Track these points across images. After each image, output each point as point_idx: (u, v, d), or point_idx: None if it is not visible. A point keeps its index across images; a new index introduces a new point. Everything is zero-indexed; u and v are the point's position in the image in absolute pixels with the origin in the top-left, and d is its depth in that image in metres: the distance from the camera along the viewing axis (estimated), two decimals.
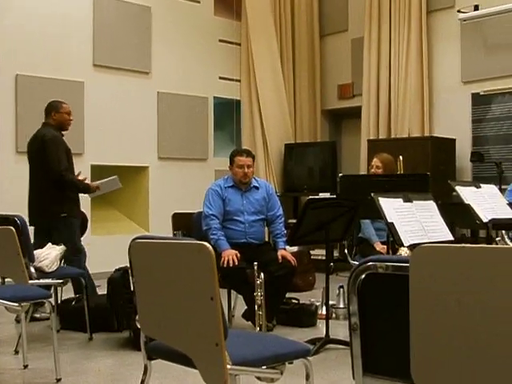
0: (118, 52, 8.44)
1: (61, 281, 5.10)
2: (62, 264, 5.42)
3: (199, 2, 9.36)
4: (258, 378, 2.64)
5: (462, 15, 8.64)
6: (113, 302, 5.27)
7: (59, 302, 5.68)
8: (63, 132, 5.98)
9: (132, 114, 8.50)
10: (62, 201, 5.83)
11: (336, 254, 8.73)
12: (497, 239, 5.65)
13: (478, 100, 8.69)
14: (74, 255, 5.80)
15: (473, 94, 8.73)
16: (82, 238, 6.03)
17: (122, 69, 8.48)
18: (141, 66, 8.67)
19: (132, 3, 8.58)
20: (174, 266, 2.42)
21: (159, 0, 8.90)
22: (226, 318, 5.37)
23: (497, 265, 1.55)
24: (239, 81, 9.88)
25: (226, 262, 5.19)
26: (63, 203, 5.83)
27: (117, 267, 5.32)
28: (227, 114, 9.82)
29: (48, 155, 5.73)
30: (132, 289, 2.77)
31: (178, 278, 2.40)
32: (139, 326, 2.72)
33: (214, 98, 9.54)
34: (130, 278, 2.76)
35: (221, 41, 9.65)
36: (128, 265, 2.74)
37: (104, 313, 5.32)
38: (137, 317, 2.72)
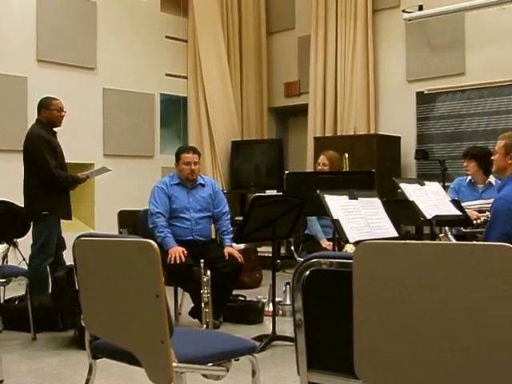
0: (63, 47, 8.30)
1: (3, 280, 5.00)
2: (5, 262, 5.31)
3: None
4: (204, 376, 2.64)
5: (406, 15, 8.76)
6: (57, 300, 5.20)
7: (2, 301, 5.58)
8: (57, 128, 5.94)
9: (77, 110, 8.34)
10: (45, 198, 5.76)
11: (283, 251, 8.77)
12: (440, 235, 5.74)
13: (423, 98, 8.82)
14: (41, 252, 5.68)
15: (417, 93, 8.86)
16: (25, 237, 5.92)
17: (66, 64, 8.34)
18: (86, 62, 8.55)
19: None
20: (119, 264, 2.39)
21: None
22: (173, 315, 5.37)
23: (439, 260, 1.58)
24: (186, 78, 9.83)
25: (172, 259, 5.18)
26: (46, 200, 5.76)
27: None
28: (174, 111, 9.76)
29: (35, 157, 5.71)
30: (77, 287, 2.74)
31: (123, 276, 2.38)
32: (84, 325, 2.69)
33: (161, 94, 9.47)
34: (75, 276, 2.72)
35: (167, 37, 9.58)
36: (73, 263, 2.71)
37: (48, 312, 5.24)
38: (82, 315, 2.69)
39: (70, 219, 6.04)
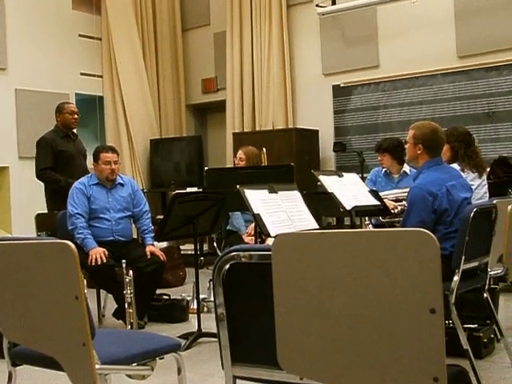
0: None
1: None
2: None
3: None
4: (129, 376, 2.61)
5: (320, 9, 8.86)
6: None
7: None
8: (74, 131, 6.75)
9: None
10: (52, 197, 6.44)
11: (206, 247, 8.76)
12: (366, 223, 5.84)
13: (339, 91, 8.95)
14: None
15: (333, 86, 8.98)
16: None
17: None
18: None
19: None
20: (37, 267, 2.34)
21: None
22: (96, 318, 5.28)
23: (356, 248, 1.60)
24: (101, 76, 9.68)
25: (93, 261, 5.09)
26: (54, 200, 6.40)
27: None
28: (90, 110, 9.58)
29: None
30: None
31: (41, 279, 2.33)
32: (1, 332, 2.61)
33: (76, 94, 9.28)
34: None
35: (81, 35, 9.40)
36: None
37: None
38: None
39: None
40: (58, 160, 6.45)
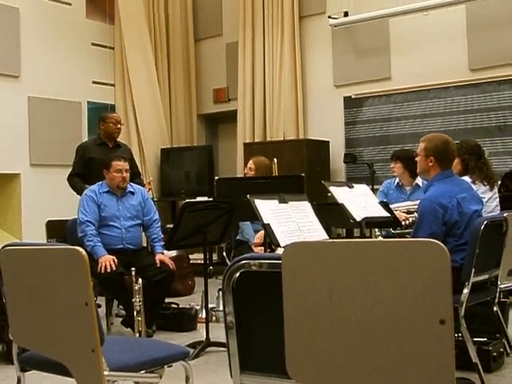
0: None
1: None
2: None
3: (70, 4, 9.12)
4: (137, 383, 2.61)
5: (332, 21, 8.87)
6: None
7: None
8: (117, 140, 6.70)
9: (0, 119, 8.18)
10: None
11: (215, 257, 8.76)
12: (377, 234, 5.84)
13: (350, 103, 8.94)
14: None
15: (345, 98, 8.97)
16: None
17: None
18: (9, 70, 8.34)
19: None
20: (47, 273, 2.35)
21: (28, 1, 8.60)
22: (105, 325, 5.29)
23: (366, 258, 1.60)
24: (113, 85, 9.72)
25: (103, 268, 5.10)
26: None
27: None
28: None
29: None
30: (3, 299, 2.66)
31: (51, 285, 2.33)
32: (11, 337, 2.62)
33: (88, 102, 9.33)
34: (1, 287, 2.65)
35: (94, 44, 9.45)
36: None
37: None
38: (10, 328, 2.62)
39: None
40: (89, 167, 6.48)
